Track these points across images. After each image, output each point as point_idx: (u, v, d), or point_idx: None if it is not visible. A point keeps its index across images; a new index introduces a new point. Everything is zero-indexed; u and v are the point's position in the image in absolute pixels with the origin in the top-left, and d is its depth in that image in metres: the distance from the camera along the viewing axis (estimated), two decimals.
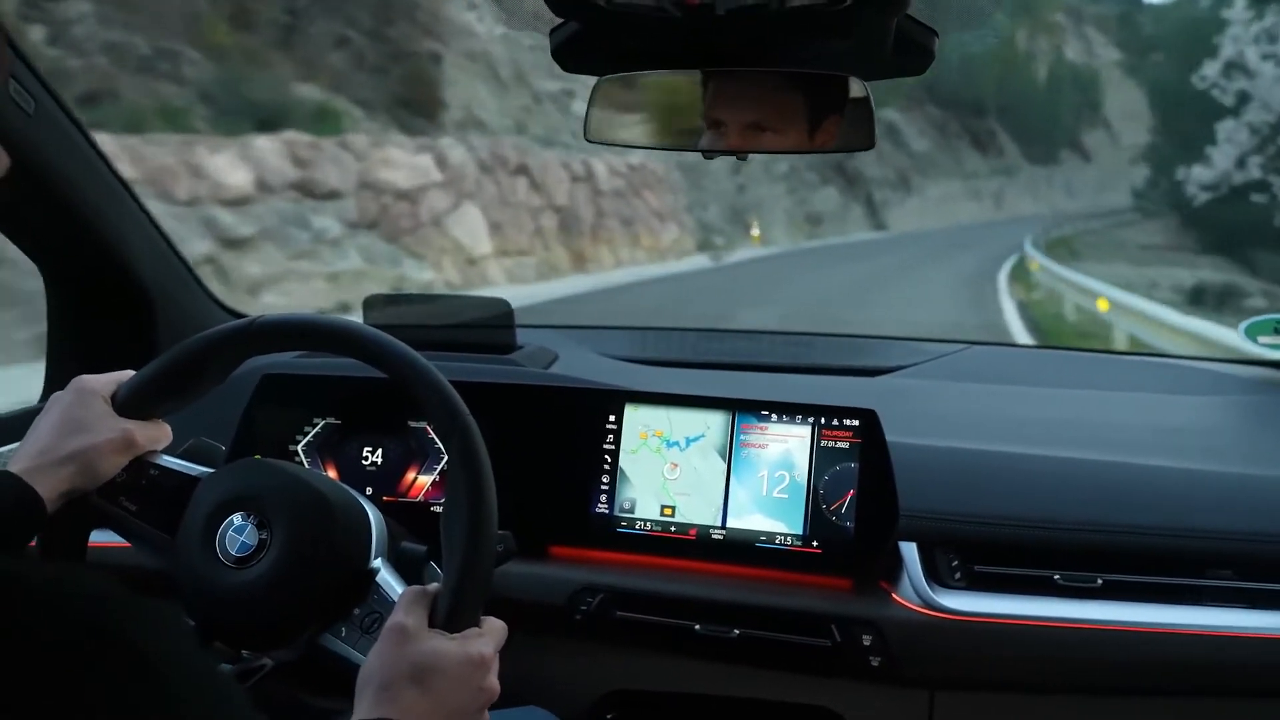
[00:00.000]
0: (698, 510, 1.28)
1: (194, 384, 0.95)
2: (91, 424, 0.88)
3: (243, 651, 0.95)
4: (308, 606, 0.88)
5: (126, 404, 0.92)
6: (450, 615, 0.83)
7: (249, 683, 0.93)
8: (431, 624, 0.82)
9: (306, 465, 1.37)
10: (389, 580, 0.91)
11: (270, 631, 0.89)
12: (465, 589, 0.83)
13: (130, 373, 0.95)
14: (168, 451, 0.97)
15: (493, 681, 0.83)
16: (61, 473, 0.85)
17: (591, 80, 1.01)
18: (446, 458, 1.13)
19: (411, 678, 0.78)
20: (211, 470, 0.95)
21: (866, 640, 1.18)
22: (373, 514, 0.94)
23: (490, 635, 0.84)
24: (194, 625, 0.88)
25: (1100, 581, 1.20)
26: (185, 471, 0.95)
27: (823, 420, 1.27)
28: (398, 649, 0.79)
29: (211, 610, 0.88)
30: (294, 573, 0.87)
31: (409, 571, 0.94)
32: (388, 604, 0.87)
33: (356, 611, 0.89)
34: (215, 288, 1.67)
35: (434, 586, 0.85)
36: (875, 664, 1.18)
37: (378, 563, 0.92)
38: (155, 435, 0.94)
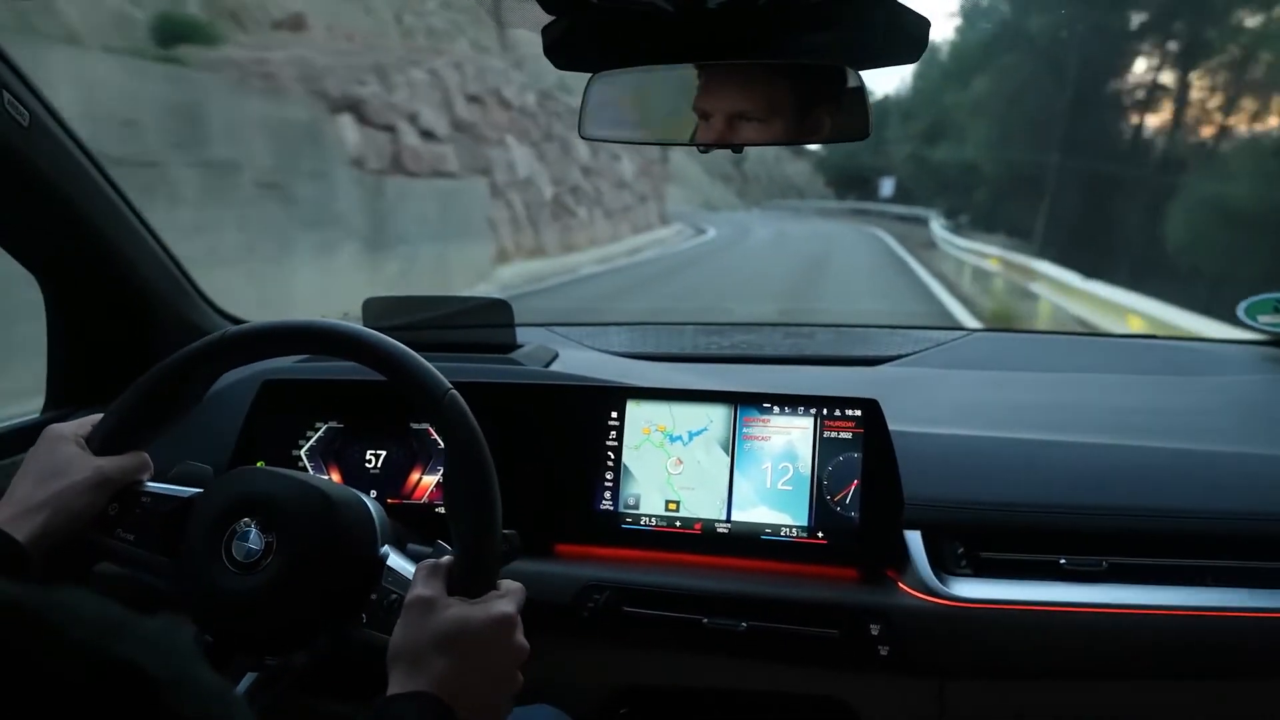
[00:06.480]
0: (702, 504, 1.28)
1: (171, 409, 0.95)
2: (62, 468, 0.90)
3: (267, 658, 0.94)
4: (324, 600, 0.88)
5: (103, 444, 0.92)
6: (468, 581, 0.83)
7: (277, 688, 0.93)
8: (450, 593, 0.83)
9: (310, 470, 1.37)
10: (400, 563, 0.91)
11: (290, 631, 0.89)
12: (479, 553, 0.84)
13: (98, 416, 0.95)
14: (156, 478, 0.97)
15: (521, 639, 0.84)
16: (39, 518, 0.86)
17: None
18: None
19: (439, 647, 0.79)
20: (201, 490, 0.95)
21: (874, 630, 1.18)
22: (373, 507, 0.95)
23: (511, 595, 0.85)
24: (210, 641, 0.87)
25: (1105, 565, 1.20)
26: (177, 495, 0.94)
27: (825, 411, 1.27)
28: (422, 621, 0.80)
29: (227, 620, 0.88)
30: (305, 569, 0.87)
31: None
32: (404, 582, 0.88)
33: (374, 597, 0.89)
34: None
35: (447, 558, 0.86)
36: (884, 653, 1.18)
37: (385, 549, 0.92)
38: (132, 466, 0.94)
